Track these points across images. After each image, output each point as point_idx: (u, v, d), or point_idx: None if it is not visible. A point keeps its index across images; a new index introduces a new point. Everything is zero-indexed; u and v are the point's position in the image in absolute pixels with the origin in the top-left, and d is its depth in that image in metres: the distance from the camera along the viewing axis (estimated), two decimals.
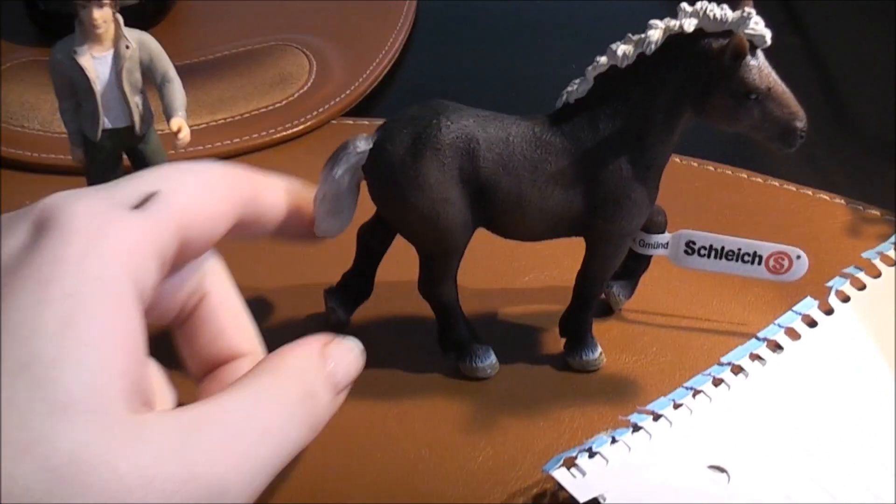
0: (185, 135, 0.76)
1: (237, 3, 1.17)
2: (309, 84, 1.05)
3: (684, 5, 0.68)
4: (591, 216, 0.73)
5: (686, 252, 0.81)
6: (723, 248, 0.80)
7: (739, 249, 0.80)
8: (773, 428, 0.73)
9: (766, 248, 0.80)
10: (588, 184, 0.72)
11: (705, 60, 0.68)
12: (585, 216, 0.73)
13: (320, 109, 1.02)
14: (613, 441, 0.72)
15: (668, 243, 0.81)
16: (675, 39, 0.69)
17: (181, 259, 0.58)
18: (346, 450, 0.74)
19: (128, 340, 0.49)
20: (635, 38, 0.70)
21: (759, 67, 0.69)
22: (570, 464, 0.70)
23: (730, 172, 1.00)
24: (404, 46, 1.13)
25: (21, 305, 0.47)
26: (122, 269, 0.50)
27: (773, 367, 0.77)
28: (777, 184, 0.98)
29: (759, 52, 0.69)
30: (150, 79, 0.78)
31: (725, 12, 0.68)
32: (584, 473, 0.70)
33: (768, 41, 0.69)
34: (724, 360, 0.78)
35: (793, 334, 0.79)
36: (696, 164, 1.00)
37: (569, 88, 0.72)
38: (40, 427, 0.45)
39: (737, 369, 0.77)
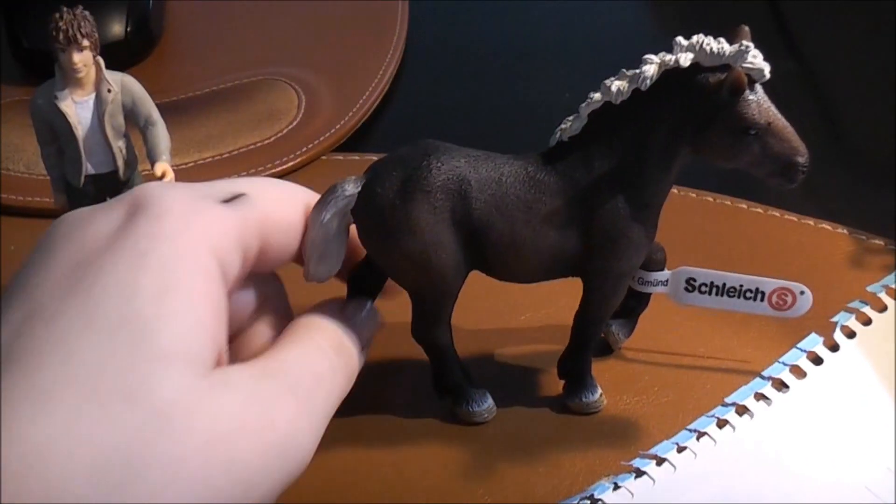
0: (169, 179, 0.75)
1: (224, 37, 1.16)
2: (298, 119, 1.04)
3: (680, 39, 0.66)
4: (587, 257, 0.71)
5: (687, 289, 0.79)
6: (724, 284, 0.78)
7: (741, 286, 0.78)
8: (780, 469, 0.72)
9: (768, 284, 0.78)
10: (584, 224, 0.70)
11: (702, 96, 0.67)
12: (582, 257, 0.71)
13: (310, 145, 1.01)
14: (616, 487, 0.71)
15: (668, 281, 0.79)
16: (670, 74, 0.67)
17: (260, 265, 0.62)
18: (341, 497, 0.72)
19: (216, 308, 0.54)
20: (629, 73, 0.68)
21: (759, 102, 0.67)
22: None
23: (729, 203, 0.98)
24: (394, 79, 1.11)
25: (120, 271, 0.51)
26: (211, 250, 0.55)
27: (778, 406, 0.76)
28: (778, 214, 0.97)
29: (758, 87, 0.67)
30: (133, 122, 0.76)
31: (722, 46, 0.66)
32: None
33: (767, 75, 0.67)
34: (728, 400, 0.77)
35: (798, 372, 0.78)
36: (694, 195, 0.99)
37: (562, 126, 0.71)
38: (143, 376, 0.49)
39: (742, 409, 0.76)
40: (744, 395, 0.77)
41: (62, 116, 0.74)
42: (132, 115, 0.76)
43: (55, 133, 0.76)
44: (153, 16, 1.14)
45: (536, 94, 1.12)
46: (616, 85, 0.68)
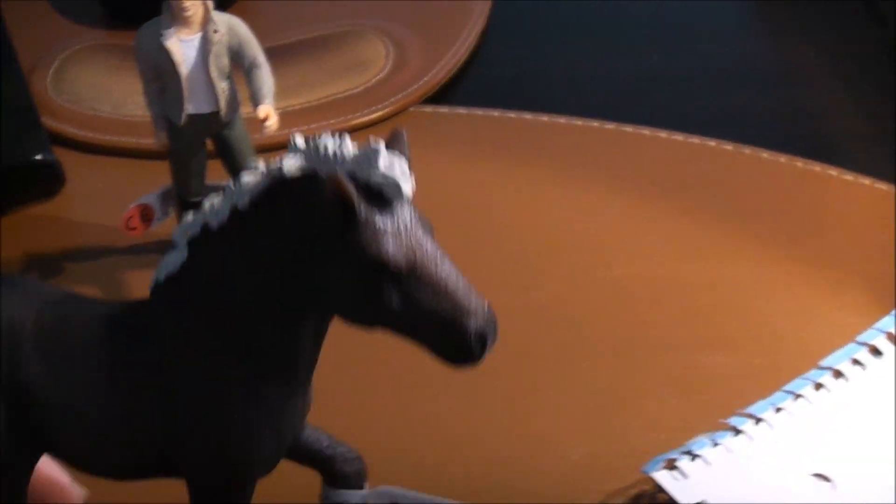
0: (273, 122, 0.75)
1: None
2: (386, 70, 1.04)
3: (296, 136, 0.49)
4: (175, 444, 0.53)
5: None
6: None
7: None
8: (877, 435, 0.71)
9: None
10: (170, 395, 0.52)
11: (314, 217, 0.47)
12: (169, 443, 0.53)
13: (398, 96, 1.01)
14: (715, 444, 0.71)
15: None
16: (280, 191, 0.48)
17: None
18: (439, 443, 0.73)
19: None
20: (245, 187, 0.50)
21: (397, 230, 0.47)
22: (670, 466, 0.69)
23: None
24: (482, 34, 1.10)
25: None
26: None
27: (873, 372, 0.75)
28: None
29: (406, 211, 0.48)
30: (238, 64, 0.76)
31: (343, 147, 0.47)
32: (685, 476, 0.69)
33: (407, 192, 0.47)
34: (823, 363, 0.76)
35: (893, 339, 0.77)
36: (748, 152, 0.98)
37: (161, 262, 0.53)
38: None
39: (837, 374, 0.75)
40: (839, 359, 0.76)
41: (167, 54, 0.74)
42: (237, 57, 0.76)
43: (159, 71, 0.76)
44: None
45: (622, 55, 1.11)
46: (208, 203, 0.50)
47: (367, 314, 0.48)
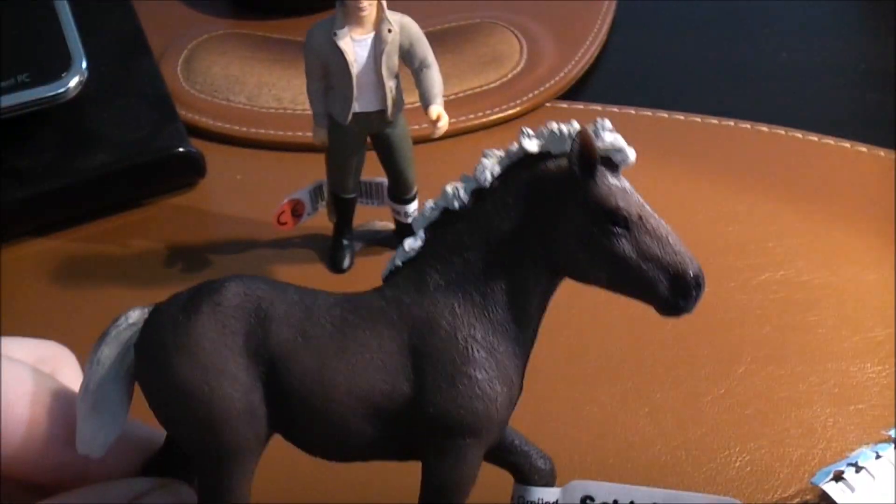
0: (443, 123, 0.76)
1: None
2: (521, 65, 1.04)
3: (525, 128, 0.57)
4: (418, 405, 0.56)
5: None
6: (632, 503, 0.62)
7: None
8: None
9: (691, 499, 0.63)
10: (413, 356, 0.56)
11: (552, 183, 0.55)
12: (412, 405, 0.56)
13: (535, 92, 1.01)
14: (878, 456, 0.70)
15: (556, 502, 0.62)
16: (516, 168, 0.56)
17: None
18: (601, 448, 0.74)
19: None
20: (472, 176, 0.57)
21: (624, 189, 0.55)
22: (837, 477, 0.69)
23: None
24: (610, 29, 1.10)
25: None
26: None
27: None
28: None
29: (622, 177, 0.56)
30: (408, 63, 0.77)
31: (572, 125, 0.55)
32: (852, 489, 0.68)
33: (631, 157, 0.55)
34: None
35: None
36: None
37: (397, 251, 0.59)
38: None
39: None
40: None
41: (339, 54, 0.75)
42: (408, 57, 0.76)
43: (327, 69, 0.76)
44: None
45: (754, 51, 1.10)
46: (451, 187, 0.57)
47: (599, 263, 0.55)
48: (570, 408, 0.77)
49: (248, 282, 0.57)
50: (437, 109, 0.75)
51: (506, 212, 0.56)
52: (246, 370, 0.56)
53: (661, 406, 0.77)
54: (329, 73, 0.77)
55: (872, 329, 0.82)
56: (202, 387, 0.55)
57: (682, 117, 1.00)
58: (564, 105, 1.02)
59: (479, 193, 0.56)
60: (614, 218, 0.54)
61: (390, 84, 0.76)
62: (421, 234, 0.58)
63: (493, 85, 1.02)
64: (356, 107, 0.77)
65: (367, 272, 0.87)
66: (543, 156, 0.56)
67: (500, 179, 0.56)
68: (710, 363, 0.80)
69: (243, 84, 1.03)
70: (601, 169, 0.54)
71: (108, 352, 0.57)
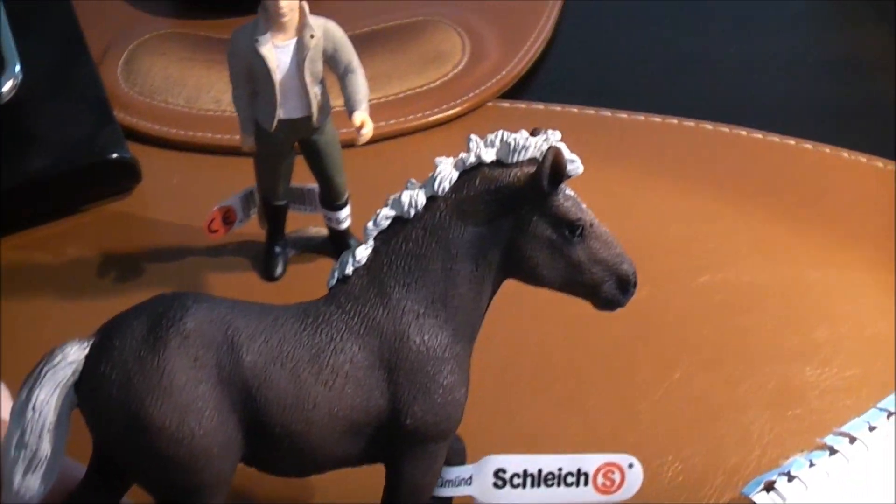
0: (368, 130, 0.75)
1: None
2: (463, 63, 1.03)
3: (474, 137, 0.59)
4: (394, 417, 0.58)
5: (496, 485, 0.66)
6: (540, 471, 0.65)
7: (560, 470, 0.65)
8: None
9: (591, 461, 0.66)
10: (386, 370, 0.58)
11: (512, 194, 0.58)
12: (388, 417, 0.58)
13: (477, 90, 1.00)
14: (811, 465, 0.70)
15: (471, 477, 0.65)
16: (470, 176, 0.58)
17: None
18: (526, 445, 0.72)
19: None
20: (419, 183, 0.59)
21: (576, 199, 0.59)
22: (769, 487, 0.68)
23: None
24: (556, 25, 1.09)
25: None
26: None
27: None
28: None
29: (569, 187, 0.59)
30: (333, 69, 0.76)
31: (526, 137, 0.58)
32: (783, 499, 0.68)
33: (580, 169, 0.59)
34: None
35: None
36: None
37: (344, 258, 0.60)
38: None
39: None
40: None
41: (261, 60, 0.73)
42: (332, 62, 0.75)
43: (251, 76, 0.75)
44: None
45: (703, 46, 1.09)
46: (407, 195, 0.58)
47: (556, 268, 0.59)
48: (503, 413, 0.76)
49: (209, 306, 0.57)
50: (361, 116, 0.74)
51: (462, 220, 0.58)
52: (222, 401, 0.55)
53: (595, 412, 0.76)
54: (253, 80, 0.75)
55: (814, 330, 0.82)
56: (181, 428, 0.54)
57: (625, 116, 0.99)
58: (507, 104, 1.01)
59: (432, 200, 0.58)
60: (573, 227, 0.58)
61: (315, 90, 0.75)
62: (371, 242, 0.59)
63: (434, 84, 1.01)
64: (281, 113, 0.76)
65: (300, 279, 0.86)
66: (494, 164, 0.58)
67: (461, 186, 0.58)
68: (647, 368, 0.79)
69: (182, 86, 1.02)
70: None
71: (44, 395, 0.54)
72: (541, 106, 1.00)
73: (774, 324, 0.82)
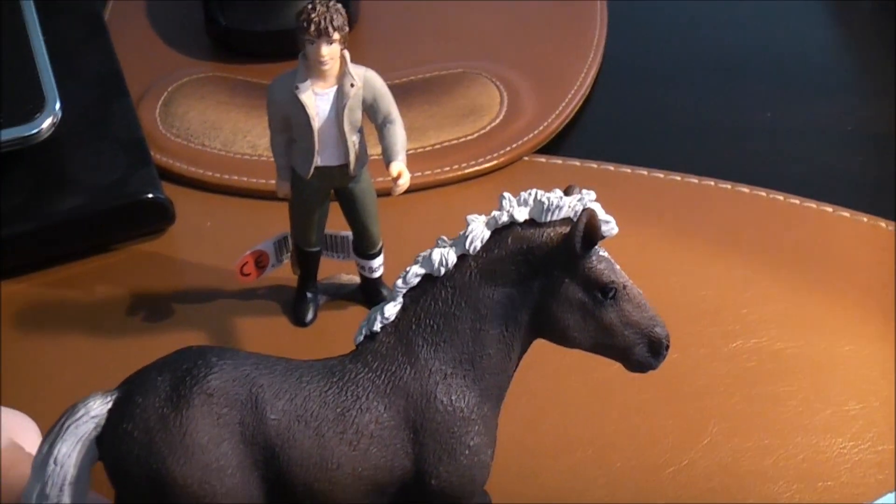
0: (404, 181, 0.75)
1: (420, 25, 1.15)
2: (501, 117, 1.03)
3: (507, 194, 0.59)
4: (420, 478, 0.58)
5: None
6: None
7: None
8: None
9: None
10: (412, 432, 0.58)
11: (545, 254, 0.57)
12: (413, 478, 0.58)
13: (513, 145, 1.00)
14: None
15: None
16: (502, 235, 0.58)
17: None
18: None
19: None
20: (450, 240, 0.59)
21: (609, 260, 0.58)
22: None
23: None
24: (595, 81, 1.10)
25: None
26: None
27: None
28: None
29: (603, 248, 0.59)
30: (371, 118, 0.76)
31: (560, 197, 0.58)
32: None
33: (615, 230, 0.59)
34: None
35: None
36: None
37: (372, 315, 0.60)
38: None
39: None
40: None
41: (301, 107, 0.74)
42: (371, 112, 0.75)
43: (289, 123, 0.76)
44: None
45: (739, 109, 1.09)
46: (438, 253, 0.58)
47: (587, 330, 0.58)
48: (526, 476, 0.75)
49: (233, 363, 0.57)
50: (398, 166, 0.74)
51: (493, 279, 0.58)
52: (244, 460, 0.56)
53: (619, 476, 0.76)
54: (291, 127, 0.76)
55: (846, 402, 0.81)
56: (203, 486, 0.55)
57: (661, 175, 0.99)
58: (543, 159, 1.01)
59: (462, 259, 0.58)
60: (605, 290, 0.57)
61: (353, 139, 0.75)
62: (400, 300, 0.59)
63: (470, 137, 1.01)
64: (318, 161, 0.76)
65: (330, 326, 0.86)
66: (527, 223, 0.58)
67: (492, 245, 0.58)
68: (675, 433, 0.78)
69: (219, 129, 1.02)
70: None
71: (66, 449, 0.55)
72: (577, 162, 1.00)
73: (805, 394, 0.81)
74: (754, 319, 0.86)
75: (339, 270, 0.89)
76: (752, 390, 0.81)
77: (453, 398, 0.58)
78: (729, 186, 0.98)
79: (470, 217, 0.59)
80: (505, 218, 0.58)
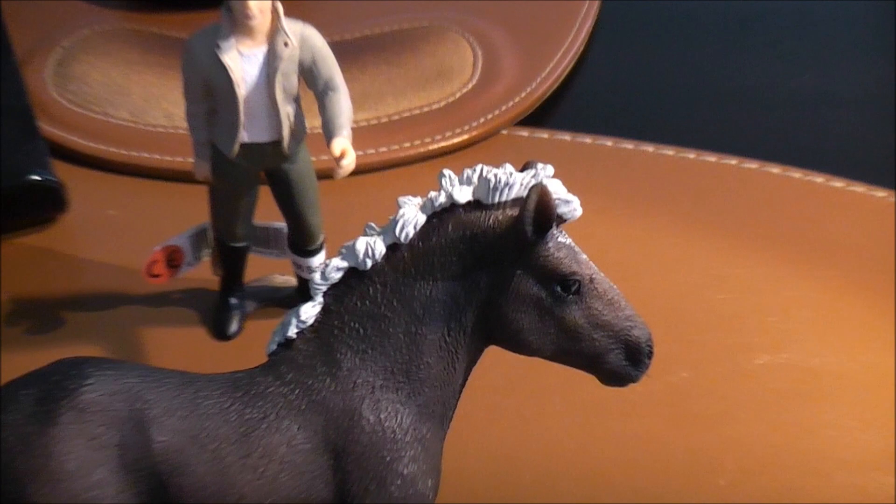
0: (349, 161, 0.74)
1: None
2: (474, 81, 1.03)
3: (447, 171, 0.59)
4: None
5: None
6: None
7: None
8: None
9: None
10: (332, 455, 0.58)
11: (491, 242, 0.57)
12: None
13: (488, 116, 1.00)
14: None
15: None
16: (441, 220, 0.58)
17: None
18: None
19: None
20: (380, 227, 0.59)
21: (572, 248, 0.58)
22: None
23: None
24: (586, 45, 1.09)
25: None
26: None
27: None
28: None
29: (563, 233, 0.59)
30: (310, 85, 0.75)
31: (510, 172, 0.58)
32: None
33: (578, 211, 0.59)
34: None
35: None
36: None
37: (287, 319, 0.60)
38: None
39: None
40: None
41: (223, 71, 0.73)
42: (309, 77, 0.75)
43: (209, 90, 0.75)
44: None
45: (757, 73, 1.09)
46: (364, 243, 0.58)
47: (546, 333, 0.58)
48: None
49: (115, 374, 0.57)
50: (341, 143, 0.74)
51: (431, 273, 0.58)
52: (124, 490, 0.55)
53: None
54: (212, 95, 0.75)
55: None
56: None
57: (671, 152, 0.99)
58: (525, 133, 1.01)
59: (394, 250, 0.58)
60: (566, 283, 0.57)
61: (287, 109, 0.75)
62: (320, 299, 0.59)
63: (436, 106, 1.01)
64: (245, 136, 0.75)
65: (259, 339, 0.84)
66: (471, 205, 0.58)
67: (419, 235, 0.58)
68: (684, 474, 0.78)
69: (127, 95, 1.02)
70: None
71: None
72: (567, 137, 1.00)
73: (846, 421, 0.81)
74: (785, 329, 0.86)
75: (272, 271, 0.89)
76: (782, 417, 0.81)
77: (382, 416, 0.58)
78: (755, 166, 0.99)
79: (402, 199, 0.59)
80: (443, 199, 0.58)
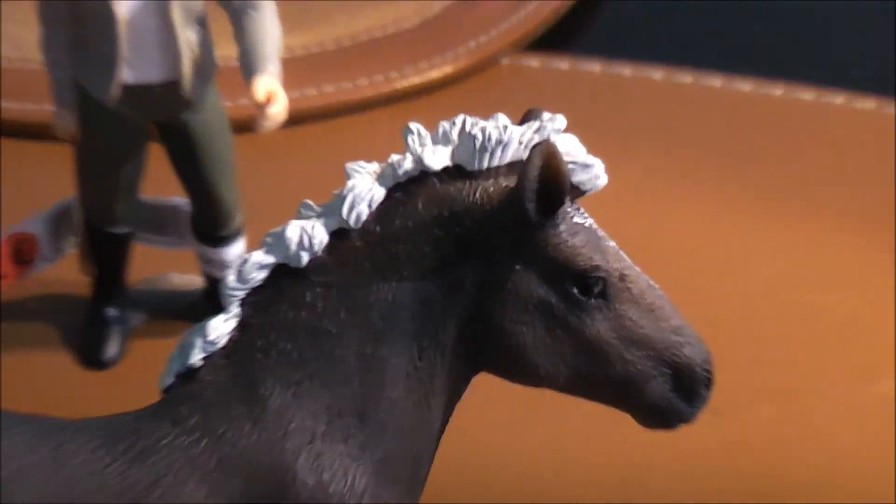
0: (277, 109, 0.74)
1: None
2: None
3: (415, 126, 0.58)
4: None
5: None
6: None
7: None
8: None
9: None
10: None
11: (484, 220, 0.57)
12: None
13: (479, 39, 1.01)
14: None
15: None
16: (406, 198, 0.58)
17: None
18: None
19: None
20: (320, 207, 0.59)
21: (592, 230, 0.58)
22: None
23: None
24: None
25: None
26: None
27: None
28: None
29: (581, 210, 0.59)
30: (221, 2, 0.76)
31: (504, 126, 0.57)
32: None
33: (602, 180, 0.58)
34: None
35: None
36: None
37: (187, 340, 0.59)
38: None
39: None
40: None
41: None
42: None
43: (75, 9, 0.76)
44: None
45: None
46: (297, 229, 0.58)
47: (558, 353, 0.58)
48: None
49: None
50: (267, 83, 0.75)
51: (394, 271, 0.57)
52: None
53: None
54: (79, 16, 0.76)
55: None
56: None
57: (718, 84, 1.00)
58: (534, 63, 1.02)
59: (340, 238, 0.58)
60: (586, 282, 0.57)
61: (187, 35, 0.76)
62: (235, 309, 0.58)
63: (406, 26, 1.02)
64: (126, 75, 0.77)
65: (148, 368, 0.86)
66: (450, 173, 0.57)
67: (377, 215, 0.57)
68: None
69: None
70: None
71: None
72: (596, 66, 1.01)
73: None
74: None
75: (167, 268, 0.90)
76: None
77: (326, 477, 0.57)
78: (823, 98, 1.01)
79: (350, 166, 0.58)
80: (410, 165, 0.57)
